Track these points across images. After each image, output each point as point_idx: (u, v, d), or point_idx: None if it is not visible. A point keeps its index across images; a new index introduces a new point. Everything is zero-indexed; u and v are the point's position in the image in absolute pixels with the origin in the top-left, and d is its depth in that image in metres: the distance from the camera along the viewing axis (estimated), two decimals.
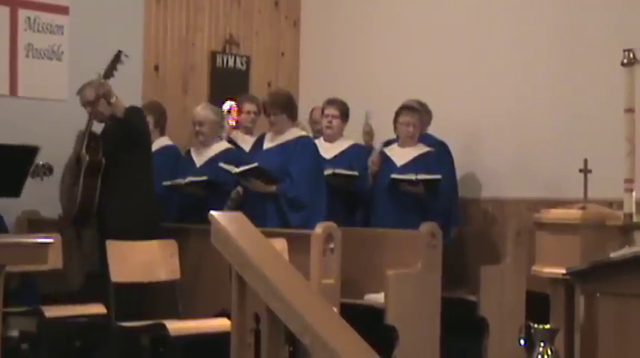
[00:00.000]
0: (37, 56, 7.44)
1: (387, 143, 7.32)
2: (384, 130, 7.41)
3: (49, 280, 6.30)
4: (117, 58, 6.39)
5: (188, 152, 7.35)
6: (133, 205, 6.37)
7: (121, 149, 6.39)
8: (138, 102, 7.54)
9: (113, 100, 6.35)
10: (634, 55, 4.17)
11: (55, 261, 6.03)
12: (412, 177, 6.81)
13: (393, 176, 6.88)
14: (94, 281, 6.40)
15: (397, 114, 7.14)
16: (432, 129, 7.36)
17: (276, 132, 6.65)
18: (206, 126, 7.12)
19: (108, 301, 6.01)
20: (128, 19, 7.91)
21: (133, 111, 6.48)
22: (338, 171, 6.89)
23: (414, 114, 7.10)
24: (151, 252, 6.30)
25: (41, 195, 6.66)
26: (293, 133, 6.65)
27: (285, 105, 6.64)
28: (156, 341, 5.78)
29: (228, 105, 7.71)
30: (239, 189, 6.64)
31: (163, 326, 5.65)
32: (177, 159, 7.35)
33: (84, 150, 6.38)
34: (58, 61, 7.53)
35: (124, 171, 6.40)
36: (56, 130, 6.87)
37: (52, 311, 6.05)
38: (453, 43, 7.76)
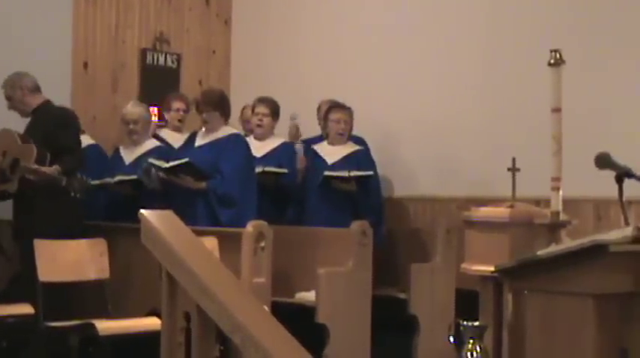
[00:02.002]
0: None
1: (308, 142, 7.34)
2: (315, 128, 7.45)
3: None
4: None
5: (117, 150, 7.29)
6: (53, 216, 6.27)
7: None
8: (67, 100, 7.45)
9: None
10: (560, 55, 4.23)
11: None
12: (345, 173, 6.84)
13: (326, 173, 6.90)
14: (21, 281, 6.31)
15: (327, 111, 7.16)
16: (361, 129, 7.38)
17: (209, 130, 6.62)
18: (140, 125, 7.08)
19: (35, 301, 5.92)
20: (57, 16, 7.79)
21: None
22: (267, 168, 6.89)
23: (345, 112, 7.14)
24: (79, 251, 6.23)
25: None
26: (225, 131, 6.61)
27: (218, 103, 6.60)
28: (85, 341, 5.71)
29: None
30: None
31: (92, 326, 5.59)
32: (100, 158, 7.28)
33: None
34: None
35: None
36: None
37: None
38: (380, 43, 7.80)
